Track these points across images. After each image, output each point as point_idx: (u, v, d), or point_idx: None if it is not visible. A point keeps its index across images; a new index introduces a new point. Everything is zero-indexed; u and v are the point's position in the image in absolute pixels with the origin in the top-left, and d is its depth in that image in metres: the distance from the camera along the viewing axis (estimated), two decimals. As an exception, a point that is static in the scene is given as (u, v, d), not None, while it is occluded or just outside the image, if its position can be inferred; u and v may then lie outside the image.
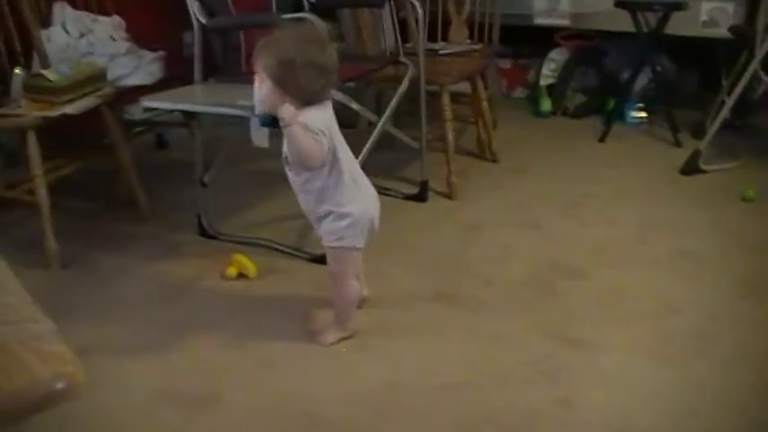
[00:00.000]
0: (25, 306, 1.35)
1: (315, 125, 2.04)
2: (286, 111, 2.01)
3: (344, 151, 2.15)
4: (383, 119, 2.97)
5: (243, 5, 2.98)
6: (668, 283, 2.57)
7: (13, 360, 1.17)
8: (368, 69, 3.08)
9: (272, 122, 2.06)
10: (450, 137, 3.20)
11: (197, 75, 2.85)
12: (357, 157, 2.29)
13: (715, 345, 2.23)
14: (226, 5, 2.94)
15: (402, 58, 3.13)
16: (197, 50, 2.81)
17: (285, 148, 2.15)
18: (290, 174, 2.19)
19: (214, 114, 2.64)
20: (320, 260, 2.50)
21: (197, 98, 2.79)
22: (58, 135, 3.18)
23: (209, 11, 2.84)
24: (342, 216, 2.15)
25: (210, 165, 3.02)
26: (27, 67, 3.09)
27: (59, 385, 1.15)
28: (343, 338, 2.30)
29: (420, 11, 3.02)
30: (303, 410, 2.02)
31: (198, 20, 2.78)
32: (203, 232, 3.01)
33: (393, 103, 3.01)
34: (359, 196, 2.17)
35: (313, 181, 2.14)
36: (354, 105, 2.75)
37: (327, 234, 2.19)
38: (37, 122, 2.74)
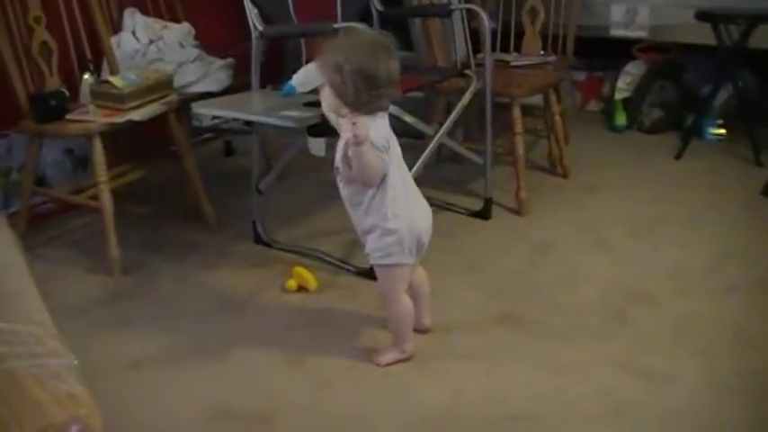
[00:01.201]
0: (48, 339, 1.30)
1: (379, 142, 2.00)
2: (360, 128, 1.95)
3: (397, 164, 2.09)
4: (440, 132, 2.90)
5: (308, 13, 2.95)
6: (744, 315, 2.44)
7: (27, 402, 1.13)
8: (429, 81, 3.02)
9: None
10: (521, 151, 3.11)
11: (254, 82, 2.82)
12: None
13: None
14: (287, 13, 2.92)
15: (467, 71, 3.06)
16: (254, 57, 2.79)
17: (337, 159, 2.11)
18: (339, 185, 2.15)
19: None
20: (367, 275, 2.44)
21: (247, 106, 2.76)
22: (127, 141, 3.21)
23: (268, 18, 2.81)
24: (387, 232, 2.09)
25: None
26: (97, 72, 3.12)
27: (73, 429, 1.10)
28: (400, 360, 2.23)
29: (487, 21, 2.93)
30: (358, 435, 1.97)
31: (255, 27, 2.75)
32: (258, 239, 2.99)
33: (453, 115, 2.94)
34: (407, 211, 2.10)
35: (360, 193, 2.09)
36: (407, 117, 2.68)
37: (374, 251, 2.13)
38: (103, 129, 2.76)
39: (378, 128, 2.02)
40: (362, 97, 1.99)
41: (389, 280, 2.16)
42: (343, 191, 2.14)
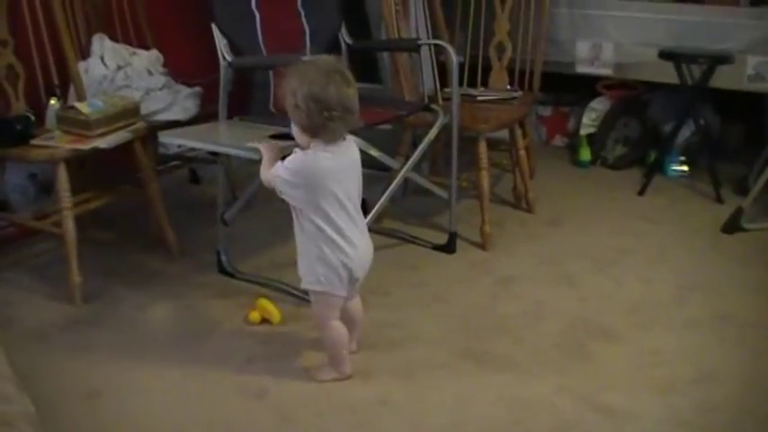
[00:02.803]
0: (2, 382, 1.27)
1: (287, 174, 2.11)
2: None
3: (341, 199, 2.12)
4: (406, 166, 2.92)
5: (276, 45, 2.96)
6: (706, 349, 2.47)
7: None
8: (396, 114, 3.04)
9: None
10: (486, 185, 3.13)
11: (221, 112, 2.82)
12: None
13: (753, 418, 2.12)
14: (256, 44, 2.93)
15: (434, 105, 3.08)
16: (222, 87, 2.79)
17: None
18: None
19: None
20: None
21: (213, 136, 2.76)
22: (92, 167, 3.19)
23: (237, 49, 2.82)
24: (319, 261, 2.15)
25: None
26: (64, 98, 3.10)
27: None
28: (338, 380, 2.29)
29: (454, 57, 2.96)
30: (318, 470, 1.96)
31: (224, 57, 2.77)
32: (222, 269, 2.98)
33: (419, 149, 2.97)
34: (342, 247, 2.14)
35: (299, 219, 2.16)
36: (373, 151, 2.70)
37: (305, 275, 2.20)
38: (68, 155, 2.74)
39: (304, 160, 2.09)
40: (314, 120, 2.03)
41: (320, 306, 2.23)
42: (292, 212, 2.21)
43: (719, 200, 3.69)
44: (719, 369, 2.35)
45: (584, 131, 4.23)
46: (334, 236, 2.12)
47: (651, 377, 2.32)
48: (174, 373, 2.37)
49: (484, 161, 3.10)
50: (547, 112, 4.56)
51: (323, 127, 2.05)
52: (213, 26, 2.77)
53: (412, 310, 2.70)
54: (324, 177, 2.09)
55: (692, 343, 2.51)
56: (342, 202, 2.13)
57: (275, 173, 2.14)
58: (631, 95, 4.22)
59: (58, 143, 2.76)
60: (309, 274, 2.18)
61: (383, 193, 2.83)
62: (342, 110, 2.04)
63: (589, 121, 4.22)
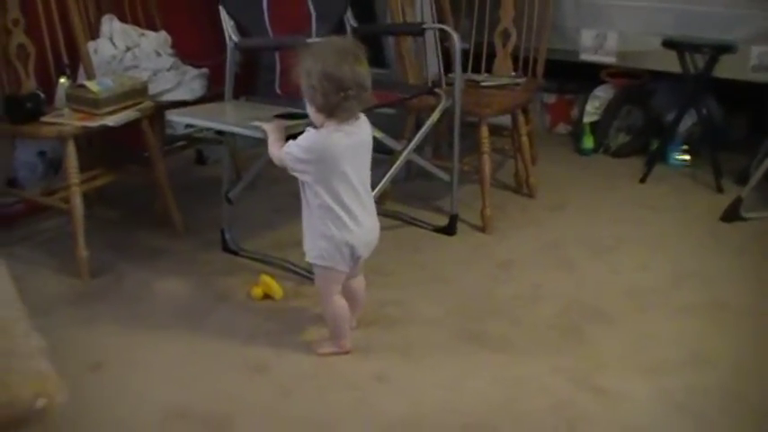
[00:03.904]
0: (19, 321, 1.37)
1: (299, 151, 2.15)
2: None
3: (351, 178, 2.16)
4: (408, 148, 2.97)
5: (283, 27, 3.00)
6: (700, 334, 2.51)
7: (-3, 377, 1.19)
8: (400, 98, 3.08)
9: None
10: (487, 170, 3.17)
11: (227, 92, 2.88)
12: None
13: (743, 401, 2.16)
14: (263, 26, 2.97)
15: (437, 89, 3.12)
16: (229, 68, 2.85)
17: None
18: None
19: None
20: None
21: (219, 116, 2.81)
22: (100, 145, 3.24)
23: (244, 30, 2.87)
24: (323, 237, 2.19)
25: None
26: (73, 77, 3.14)
27: (39, 404, 1.17)
28: (337, 353, 2.35)
29: (458, 41, 3.00)
30: (316, 441, 2.01)
31: (231, 38, 2.81)
32: (226, 247, 3.03)
33: (421, 132, 3.02)
34: (346, 224, 2.18)
35: (306, 195, 2.20)
36: (376, 133, 2.73)
37: (309, 250, 2.25)
38: (77, 132, 2.79)
39: (317, 137, 2.13)
40: (331, 100, 2.07)
41: (322, 280, 2.29)
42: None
43: (720, 189, 3.71)
44: (712, 354, 2.39)
45: (587, 119, 4.25)
46: (341, 213, 2.17)
47: (644, 360, 2.36)
48: (178, 346, 2.43)
49: (486, 145, 3.14)
50: (551, 99, 4.59)
51: (338, 106, 2.09)
52: (220, 8, 2.81)
53: (412, 290, 2.75)
54: (336, 155, 2.13)
55: (687, 328, 2.55)
56: (351, 181, 2.17)
57: (287, 150, 2.18)
58: (635, 84, 4.25)
59: (67, 120, 2.81)
60: (313, 249, 2.23)
61: (385, 175, 2.87)
62: (356, 88, 2.08)
63: (592, 108, 4.25)
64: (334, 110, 2.09)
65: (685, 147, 4.06)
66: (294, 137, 2.21)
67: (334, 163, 2.13)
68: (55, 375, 1.20)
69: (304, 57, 2.10)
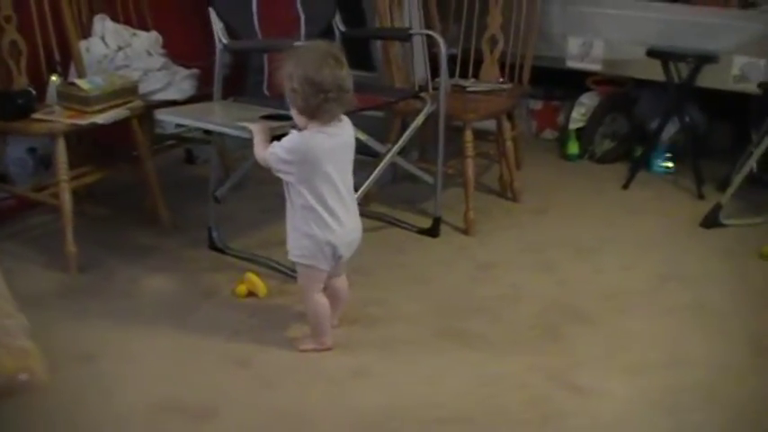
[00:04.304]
0: (3, 302, 1.43)
1: (282, 152, 2.20)
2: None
3: (334, 179, 2.21)
4: (391, 151, 3.02)
5: (272, 29, 3.05)
6: (678, 335, 2.55)
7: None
8: (385, 101, 3.13)
9: None
10: (470, 173, 3.22)
11: (216, 93, 2.92)
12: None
13: (719, 400, 2.21)
14: (252, 29, 3.02)
15: (422, 93, 3.17)
16: (218, 69, 2.89)
17: None
18: None
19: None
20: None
21: (207, 115, 2.86)
22: (90, 143, 3.28)
23: (234, 33, 2.92)
24: (306, 236, 2.24)
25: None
26: (64, 75, 3.18)
27: (22, 377, 1.23)
28: (318, 350, 2.40)
29: (444, 47, 3.05)
30: (296, 432, 2.05)
31: (220, 40, 2.86)
32: (212, 245, 3.07)
33: (405, 135, 3.08)
34: (329, 224, 2.23)
35: (290, 194, 2.25)
36: (360, 135, 2.79)
37: (292, 248, 2.30)
38: (67, 129, 2.83)
39: (300, 139, 2.18)
40: (311, 102, 2.13)
41: (304, 278, 2.34)
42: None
43: (701, 196, 3.76)
44: (691, 354, 2.44)
45: (572, 125, 4.30)
46: (323, 213, 2.22)
47: (623, 359, 2.40)
48: (165, 341, 2.47)
49: (470, 149, 3.19)
50: (538, 105, 4.64)
51: (319, 108, 2.14)
52: (210, 10, 2.86)
53: (394, 290, 2.79)
54: (319, 156, 2.18)
55: (666, 329, 2.60)
56: (334, 182, 2.22)
57: (271, 150, 2.23)
58: (620, 92, 4.31)
59: (57, 118, 2.85)
60: (296, 248, 2.29)
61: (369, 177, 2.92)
62: (337, 91, 2.13)
63: (578, 115, 4.29)
64: (315, 112, 2.15)
65: (668, 154, 4.11)
66: (280, 138, 2.26)
67: (317, 164, 2.18)
68: (37, 352, 1.25)
69: (286, 60, 2.16)
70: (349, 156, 2.28)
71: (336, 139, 2.21)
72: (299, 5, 3.15)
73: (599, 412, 2.15)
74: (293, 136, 2.20)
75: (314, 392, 2.22)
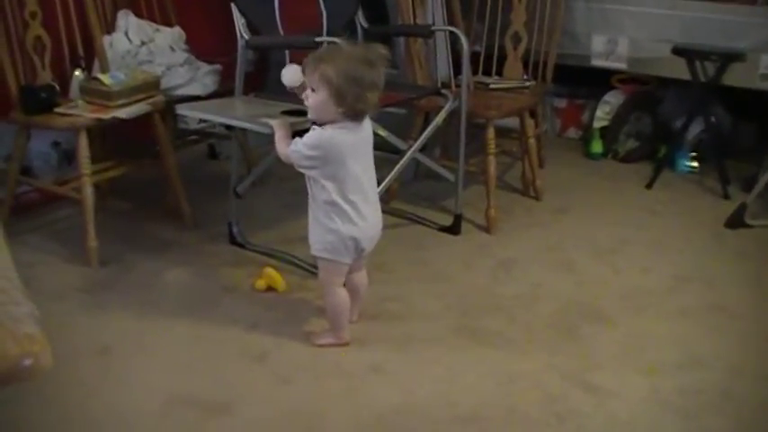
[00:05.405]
0: (12, 289, 1.45)
1: (305, 149, 2.21)
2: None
3: (356, 174, 2.23)
4: (413, 148, 3.01)
5: (294, 25, 3.05)
6: (696, 337, 2.53)
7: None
8: (407, 98, 3.13)
9: None
10: (492, 171, 3.21)
11: (237, 89, 2.94)
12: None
13: (735, 402, 2.19)
14: (273, 24, 3.02)
15: (444, 91, 3.17)
16: (239, 64, 2.91)
17: None
18: None
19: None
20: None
21: (228, 111, 2.87)
22: (113, 138, 3.30)
23: (255, 29, 2.93)
24: (329, 230, 2.25)
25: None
26: (88, 70, 3.21)
27: (26, 362, 1.24)
28: (335, 345, 2.41)
29: (466, 43, 3.04)
30: (310, 428, 2.06)
31: (242, 36, 2.88)
32: (233, 240, 3.09)
33: (426, 132, 3.08)
34: (352, 218, 2.24)
35: (313, 189, 2.27)
36: (381, 131, 2.81)
37: (315, 243, 2.31)
38: (89, 124, 2.86)
39: (323, 135, 2.19)
40: (362, 107, 2.17)
41: (326, 272, 2.34)
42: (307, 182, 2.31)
43: (726, 196, 3.72)
44: (706, 356, 2.42)
45: (597, 124, 4.28)
46: (346, 207, 2.23)
47: (638, 360, 2.39)
48: (182, 334, 2.49)
49: (492, 147, 3.18)
50: (562, 104, 4.62)
51: (365, 110, 2.19)
52: (232, 5, 2.87)
53: (413, 287, 2.79)
54: (342, 151, 2.20)
55: (683, 330, 2.57)
56: (356, 176, 2.23)
57: (294, 148, 2.24)
58: (645, 90, 4.28)
59: (80, 112, 2.88)
60: (318, 242, 2.30)
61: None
62: (374, 90, 2.16)
63: (602, 114, 4.27)
64: (361, 113, 2.20)
65: (693, 154, 4.08)
66: (300, 133, 2.27)
67: (340, 159, 2.20)
68: (43, 339, 1.27)
69: (347, 61, 2.15)
70: (369, 149, 2.29)
71: (357, 134, 2.23)
72: (321, 2, 3.16)
73: (614, 412, 2.13)
74: (315, 132, 2.21)
75: (329, 388, 2.23)
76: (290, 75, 2.35)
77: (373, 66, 2.15)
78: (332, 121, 2.19)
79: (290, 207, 3.38)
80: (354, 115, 2.19)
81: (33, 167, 3.35)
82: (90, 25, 3.16)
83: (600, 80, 4.31)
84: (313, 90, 2.17)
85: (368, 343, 2.44)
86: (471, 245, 3.17)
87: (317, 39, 2.61)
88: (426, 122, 3.35)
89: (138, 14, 3.45)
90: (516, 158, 3.85)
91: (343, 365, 2.32)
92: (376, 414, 2.11)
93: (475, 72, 3.61)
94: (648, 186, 3.86)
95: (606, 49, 4.06)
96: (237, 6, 2.87)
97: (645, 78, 4.23)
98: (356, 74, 2.12)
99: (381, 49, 2.20)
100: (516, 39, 3.70)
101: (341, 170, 2.21)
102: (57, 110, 2.89)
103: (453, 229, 3.24)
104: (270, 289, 2.72)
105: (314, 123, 2.25)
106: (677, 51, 3.72)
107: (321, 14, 3.15)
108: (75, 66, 3.16)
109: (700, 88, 3.76)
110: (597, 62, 4.11)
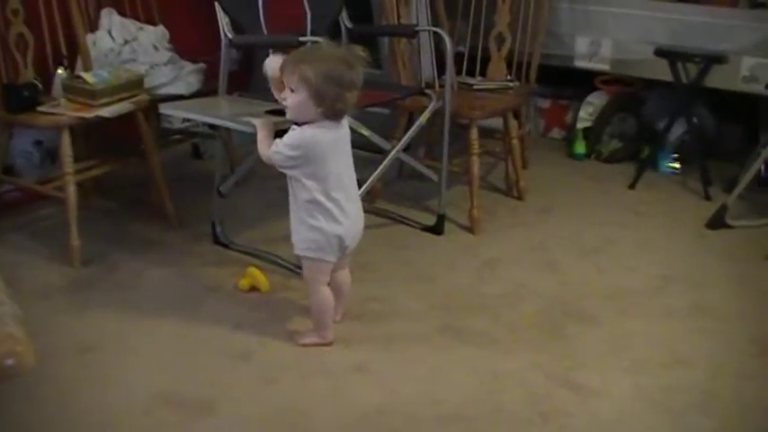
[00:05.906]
0: None
1: (286, 149, 2.22)
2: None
3: (338, 171, 2.24)
4: (396, 148, 3.02)
5: (278, 25, 3.05)
6: (680, 336, 2.54)
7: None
8: (391, 97, 3.13)
9: None
10: (476, 171, 3.21)
11: (221, 88, 2.93)
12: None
13: (718, 401, 2.20)
14: (258, 24, 3.01)
15: (428, 91, 3.17)
16: (223, 63, 2.90)
17: None
18: None
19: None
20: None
21: (211, 110, 2.86)
22: (96, 137, 3.29)
23: (239, 28, 2.92)
24: (312, 229, 2.26)
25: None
26: (71, 68, 3.19)
27: (9, 362, 1.25)
28: (318, 344, 2.41)
29: (449, 42, 3.05)
30: (294, 427, 2.06)
31: (225, 35, 2.87)
32: (216, 240, 3.08)
33: (410, 132, 3.08)
34: (335, 216, 2.25)
35: (294, 189, 2.27)
36: (364, 130, 2.81)
37: (298, 242, 2.32)
38: (72, 122, 2.84)
39: (303, 135, 2.20)
40: (342, 107, 2.18)
41: (311, 271, 2.35)
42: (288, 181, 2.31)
43: (708, 197, 3.74)
44: (691, 355, 2.43)
45: (580, 125, 4.29)
46: (330, 205, 2.24)
47: (623, 359, 2.40)
48: (166, 334, 2.48)
49: (475, 147, 3.19)
50: (546, 104, 4.62)
51: (344, 110, 2.20)
52: (216, 4, 2.86)
53: (397, 286, 2.79)
54: (323, 150, 2.20)
55: (667, 329, 2.59)
56: (338, 174, 2.25)
57: (275, 150, 2.24)
58: (628, 92, 4.29)
59: (63, 111, 2.86)
60: (302, 241, 2.30)
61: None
62: (353, 90, 2.17)
63: (586, 114, 4.28)
64: (340, 113, 2.20)
65: (676, 155, 4.09)
66: (284, 133, 2.27)
67: (321, 157, 2.21)
68: (26, 339, 1.27)
69: (327, 61, 2.16)
70: (348, 146, 2.31)
71: (337, 132, 2.24)
72: (305, 1, 3.15)
73: (599, 411, 2.14)
74: (295, 133, 2.21)
75: (314, 388, 2.22)
76: (275, 65, 2.35)
77: (352, 66, 2.16)
78: (311, 121, 2.20)
79: (274, 206, 3.37)
80: (334, 115, 2.19)
81: (16, 166, 3.32)
82: (73, 23, 3.14)
83: (584, 81, 4.32)
84: (292, 90, 2.18)
85: (352, 342, 2.44)
86: (455, 245, 3.18)
87: (301, 38, 2.61)
88: (410, 122, 3.35)
89: (122, 13, 3.43)
90: (500, 159, 3.86)
91: (328, 365, 2.32)
92: (360, 413, 2.11)
93: (459, 72, 3.61)
94: (632, 187, 3.87)
95: (590, 50, 4.07)
96: (221, 5, 2.87)
97: (628, 80, 4.25)
98: (335, 74, 2.13)
99: (360, 50, 2.21)
100: (500, 39, 3.70)
101: (323, 169, 2.22)
102: (39, 108, 2.88)
103: (436, 229, 3.25)
104: (253, 289, 2.72)
105: (294, 123, 2.25)
106: (660, 53, 3.74)
107: (305, 14, 3.14)
108: (58, 64, 3.14)
109: (682, 90, 3.78)
110: (581, 63, 4.12)
